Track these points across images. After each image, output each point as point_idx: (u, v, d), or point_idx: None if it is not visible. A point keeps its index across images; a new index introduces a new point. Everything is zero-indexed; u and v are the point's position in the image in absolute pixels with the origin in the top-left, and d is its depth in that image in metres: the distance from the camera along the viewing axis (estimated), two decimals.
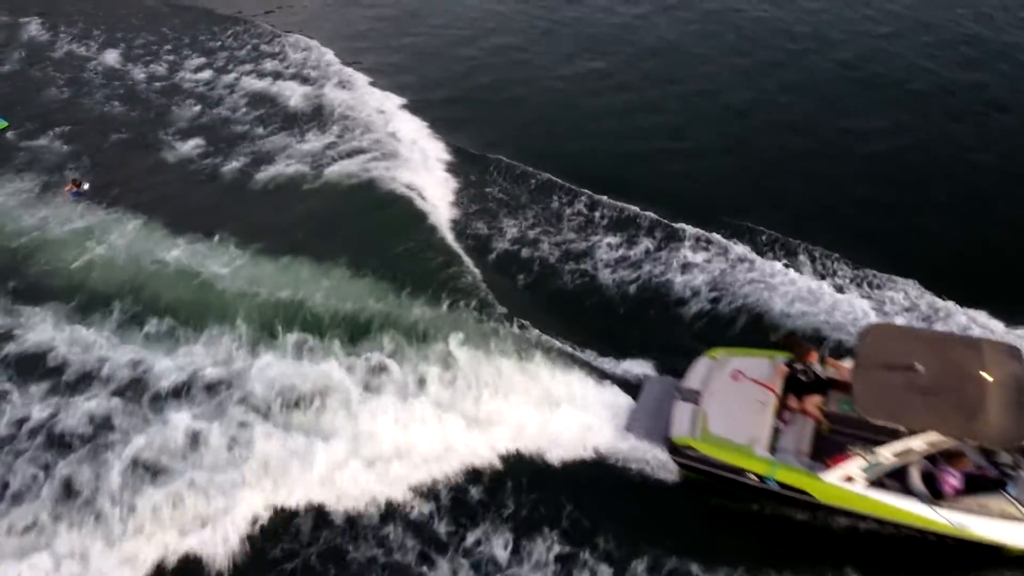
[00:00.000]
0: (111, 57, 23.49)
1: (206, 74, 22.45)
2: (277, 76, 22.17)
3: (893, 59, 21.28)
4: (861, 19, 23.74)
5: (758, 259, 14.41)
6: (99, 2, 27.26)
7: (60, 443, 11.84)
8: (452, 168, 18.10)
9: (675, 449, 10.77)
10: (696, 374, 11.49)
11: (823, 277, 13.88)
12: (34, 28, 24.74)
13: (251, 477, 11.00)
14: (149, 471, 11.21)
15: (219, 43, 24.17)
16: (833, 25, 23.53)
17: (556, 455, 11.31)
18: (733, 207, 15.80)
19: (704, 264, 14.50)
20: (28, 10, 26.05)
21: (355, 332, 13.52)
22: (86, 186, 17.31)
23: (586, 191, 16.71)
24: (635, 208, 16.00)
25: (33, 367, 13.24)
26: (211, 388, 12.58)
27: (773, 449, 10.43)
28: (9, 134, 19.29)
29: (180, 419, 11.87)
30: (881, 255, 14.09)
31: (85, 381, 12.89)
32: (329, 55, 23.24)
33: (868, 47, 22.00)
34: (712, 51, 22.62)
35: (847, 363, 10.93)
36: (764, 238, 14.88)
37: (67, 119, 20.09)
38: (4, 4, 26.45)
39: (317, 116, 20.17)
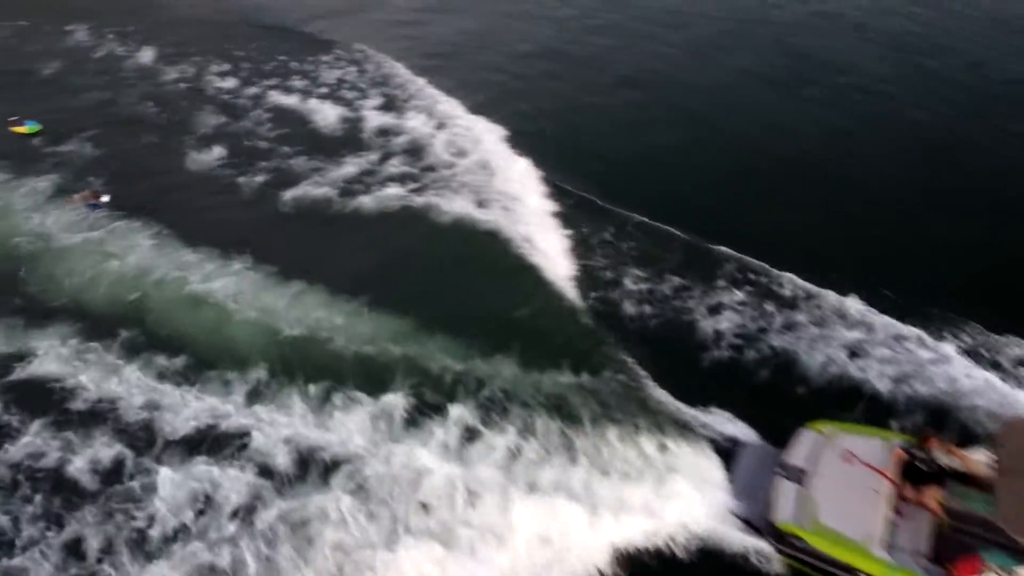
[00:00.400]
0: (158, 69, 22.56)
1: (255, 89, 21.47)
2: (345, 98, 20.94)
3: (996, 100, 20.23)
4: (937, 54, 22.84)
5: (863, 316, 13.07)
6: (163, 16, 26.47)
7: (64, 492, 10.49)
8: (515, 201, 16.60)
9: (778, 535, 9.37)
10: (800, 449, 10.12)
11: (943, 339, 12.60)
12: (80, 35, 23.95)
13: (265, 560, 9.47)
14: (159, 540, 9.78)
15: (262, 57, 23.35)
16: (913, 61, 22.59)
17: (635, 528, 9.74)
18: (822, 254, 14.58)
19: (806, 321, 13.12)
20: (75, 18, 25.22)
21: (380, 380, 12.03)
22: (105, 199, 16.20)
23: (676, 232, 15.45)
24: (724, 251, 14.75)
25: (38, 400, 11.88)
26: (224, 443, 11.14)
27: (889, 546, 9.00)
28: (40, 139, 18.43)
29: (190, 481, 10.50)
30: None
31: (93, 421, 11.54)
32: (392, 71, 22.32)
33: (959, 88, 20.92)
34: (775, 89, 21.62)
35: (975, 454, 9.56)
36: (846, 288, 13.60)
37: (98, 125, 19.16)
38: (51, 13, 25.53)
39: (378, 137, 18.94)
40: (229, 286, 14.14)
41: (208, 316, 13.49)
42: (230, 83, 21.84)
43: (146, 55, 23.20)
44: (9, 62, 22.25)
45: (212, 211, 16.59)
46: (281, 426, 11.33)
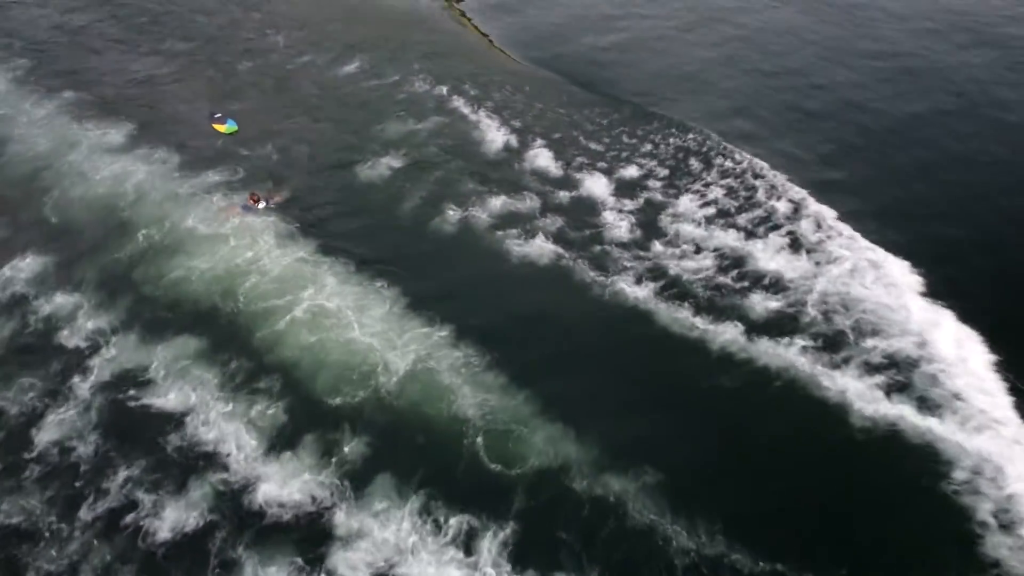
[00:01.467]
0: (362, 79, 20.43)
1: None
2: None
3: None
4: None
5: None
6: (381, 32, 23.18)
7: (150, 563, 9.63)
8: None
9: None
10: None
11: None
12: (281, 39, 23.38)
13: None
14: None
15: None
16: None
17: None
18: None
19: None
20: (276, 23, 23.26)
21: (505, 492, 10.20)
22: (262, 205, 15.45)
23: None
24: None
25: (140, 432, 11.14)
26: (315, 543, 9.69)
27: None
28: (233, 138, 18.31)
29: None
30: None
31: (185, 474, 10.57)
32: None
33: None
34: None
35: None
36: None
37: (290, 129, 18.25)
38: (269, 25, 23.53)
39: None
40: (352, 305, 13.01)
41: (320, 343, 12.36)
42: (485, 120, 18.87)
43: (351, 65, 22.25)
44: (224, 59, 21.26)
45: (366, 226, 15.32)
46: (380, 542, 9.76)
